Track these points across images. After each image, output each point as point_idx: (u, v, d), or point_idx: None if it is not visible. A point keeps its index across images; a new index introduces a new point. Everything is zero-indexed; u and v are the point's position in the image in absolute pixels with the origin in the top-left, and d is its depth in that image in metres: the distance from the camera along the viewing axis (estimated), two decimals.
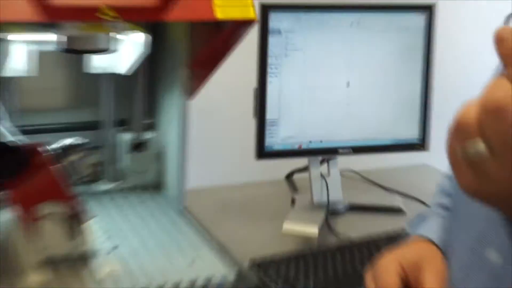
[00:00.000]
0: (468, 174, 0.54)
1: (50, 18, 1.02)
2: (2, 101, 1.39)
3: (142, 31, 1.36)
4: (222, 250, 1.30)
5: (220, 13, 1.14)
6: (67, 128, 1.52)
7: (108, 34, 1.18)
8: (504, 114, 0.49)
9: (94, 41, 1.18)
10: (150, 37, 1.42)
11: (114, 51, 1.21)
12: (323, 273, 1.27)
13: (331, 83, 1.54)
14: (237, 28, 1.24)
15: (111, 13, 1.03)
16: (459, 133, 0.53)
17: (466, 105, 0.54)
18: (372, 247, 1.40)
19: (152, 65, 1.53)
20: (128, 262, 1.20)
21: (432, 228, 0.98)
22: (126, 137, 1.54)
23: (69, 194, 1.15)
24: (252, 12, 1.18)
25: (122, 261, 1.20)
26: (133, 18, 1.12)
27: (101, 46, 1.19)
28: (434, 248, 0.94)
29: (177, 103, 1.46)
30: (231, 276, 1.19)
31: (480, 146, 0.52)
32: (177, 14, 1.11)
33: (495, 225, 0.69)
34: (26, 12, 0.99)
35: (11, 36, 1.26)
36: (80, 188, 1.36)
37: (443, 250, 0.92)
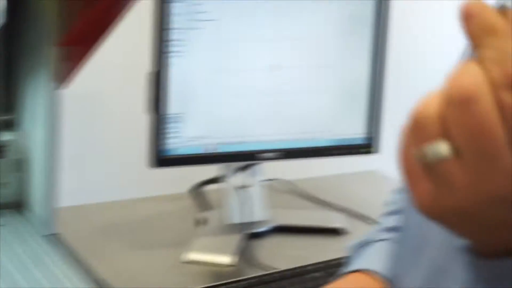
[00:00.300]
0: (425, 184, 0.55)
1: None
2: None
3: None
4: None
5: None
6: None
7: None
8: (474, 105, 0.50)
9: None
10: (4, 1, 1.43)
11: None
12: None
13: (252, 66, 1.56)
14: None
15: None
16: (416, 133, 0.54)
17: (425, 97, 0.55)
18: (306, 280, 1.43)
19: (9, 41, 1.55)
20: None
21: (376, 257, 1.03)
22: None
23: None
24: None
25: None
26: None
27: None
28: (378, 282, 0.98)
29: (44, 93, 1.47)
30: None
31: (443, 148, 0.53)
32: None
33: (452, 253, 0.71)
34: None
35: None
36: None
37: (392, 281, 0.96)
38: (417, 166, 0.56)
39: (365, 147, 1.65)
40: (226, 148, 1.55)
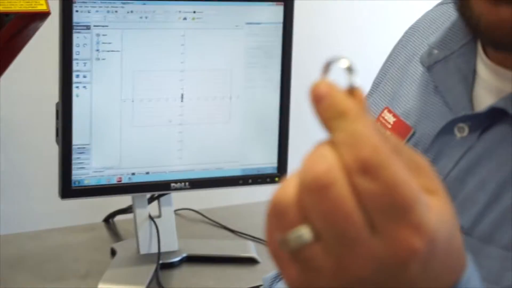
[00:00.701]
0: (292, 269, 0.55)
1: None
2: None
3: None
4: None
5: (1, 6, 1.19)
6: None
7: None
8: (329, 192, 0.51)
9: None
10: None
11: None
12: None
13: (159, 95, 1.56)
14: (24, 22, 1.28)
15: None
16: (277, 219, 0.54)
17: (283, 182, 0.55)
18: None
19: None
20: None
21: None
22: None
23: None
24: (44, 3, 1.22)
25: None
26: None
27: None
28: None
29: None
30: None
31: (304, 233, 0.53)
32: None
33: None
34: None
35: None
36: None
37: None
38: (282, 252, 0.55)
39: (276, 177, 1.65)
40: (135, 179, 1.55)
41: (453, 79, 1.04)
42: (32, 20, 1.28)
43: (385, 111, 1.11)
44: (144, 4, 1.52)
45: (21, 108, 1.91)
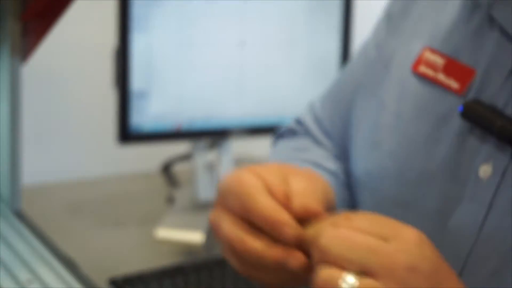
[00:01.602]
0: None
1: None
2: None
3: None
4: (71, 266, 1.29)
5: None
6: None
7: None
8: None
9: None
10: None
11: None
12: None
13: (219, 41, 1.55)
14: None
15: None
16: None
17: None
18: None
19: None
20: None
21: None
22: None
23: None
24: None
25: None
26: None
27: None
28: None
29: (5, 69, 1.46)
30: None
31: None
32: None
33: None
34: None
35: None
36: None
37: None
38: None
39: None
40: (194, 125, 1.55)
41: None
42: None
43: (427, 53, 1.04)
44: None
45: (74, 57, 1.92)
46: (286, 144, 1.21)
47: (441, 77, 0.98)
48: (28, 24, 1.39)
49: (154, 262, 1.39)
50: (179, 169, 1.80)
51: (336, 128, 1.17)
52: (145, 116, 1.51)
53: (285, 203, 0.81)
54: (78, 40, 1.81)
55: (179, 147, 1.73)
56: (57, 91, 1.90)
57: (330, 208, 0.89)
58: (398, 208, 0.99)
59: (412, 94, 1.01)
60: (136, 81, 1.49)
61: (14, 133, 1.50)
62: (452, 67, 1.00)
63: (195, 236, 1.47)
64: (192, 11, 1.49)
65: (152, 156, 1.76)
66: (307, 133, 1.21)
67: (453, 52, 0.99)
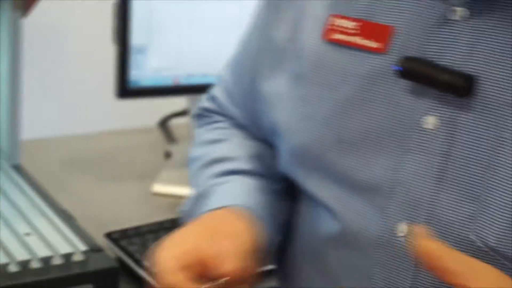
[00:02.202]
0: None
1: None
2: None
3: None
4: (69, 220, 1.31)
5: None
6: None
7: None
8: None
9: None
10: None
11: None
12: None
13: None
14: None
15: None
16: None
17: None
18: None
19: None
20: None
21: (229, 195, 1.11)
22: None
23: None
24: None
25: None
26: None
27: None
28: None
29: (5, 22, 1.46)
30: (78, 255, 1.21)
31: None
32: None
33: None
34: None
35: None
36: None
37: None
38: None
39: None
40: (192, 80, 1.55)
41: None
42: None
43: (336, 19, 1.04)
44: None
45: (73, 12, 1.92)
46: (203, 138, 1.25)
47: (357, 39, 1.00)
48: None
49: (150, 217, 1.40)
50: (176, 124, 1.81)
51: (241, 98, 1.21)
52: (143, 71, 1.52)
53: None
54: None
55: (177, 103, 1.74)
56: (56, 47, 1.91)
57: (258, 251, 1.02)
58: (340, 174, 1.02)
59: (331, 62, 1.03)
60: (136, 36, 1.49)
61: (14, 89, 1.49)
62: (367, 28, 1.01)
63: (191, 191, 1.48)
64: None
65: (150, 111, 1.76)
66: (220, 107, 1.26)
67: (365, 15, 1.00)
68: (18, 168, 1.45)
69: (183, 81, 1.54)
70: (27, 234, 1.26)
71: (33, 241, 1.25)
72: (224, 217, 1.05)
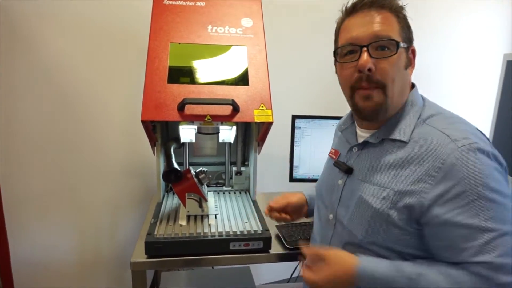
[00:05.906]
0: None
1: (185, 119, 2.66)
2: (184, 151, 3.21)
3: (230, 124, 2.83)
4: (261, 219, 2.50)
5: (257, 118, 2.62)
6: (213, 163, 3.38)
7: (214, 125, 2.74)
8: None
9: (209, 129, 2.78)
10: (234, 127, 2.88)
11: (218, 133, 2.81)
12: None
13: None
14: (265, 126, 2.82)
15: (208, 117, 2.62)
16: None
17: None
18: None
19: (244, 138, 3.13)
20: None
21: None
22: (234, 168, 3.31)
23: (198, 190, 2.85)
24: (271, 118, 2.59)
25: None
26: (219, 119, 2.67)
27: (214, 131, 2.81)
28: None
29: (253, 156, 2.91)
30: (259, 231, 2.19)
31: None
32: (239, 118, 2.64)
33: None
34: (174, 115, 2.62)
35: (183, 126, 2.85)
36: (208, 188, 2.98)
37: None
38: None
39: None
40: None
41: (349, 134, 2.19)
42: (267, 124, 2.64)
43: (332, 150, 2.33)
44: None
45: None
46: None
47: (333, 156, 2.30)
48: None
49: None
50: None
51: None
52: None
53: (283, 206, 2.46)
54: None
55: None
56: None
57: (300, 204, 2.47)
58: (320, 200, 2.20)
59: (328, 163, 2.30)
60: None
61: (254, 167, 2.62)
62: (335, 151, 2.28)
63: None
64: None
65: None
66: None
67: (336, 146, 2.28)
68: None
69: None
70: (246, 222, 2.54)
71: (247, 225, 2.52)
72: (296, 193, 2.43)
